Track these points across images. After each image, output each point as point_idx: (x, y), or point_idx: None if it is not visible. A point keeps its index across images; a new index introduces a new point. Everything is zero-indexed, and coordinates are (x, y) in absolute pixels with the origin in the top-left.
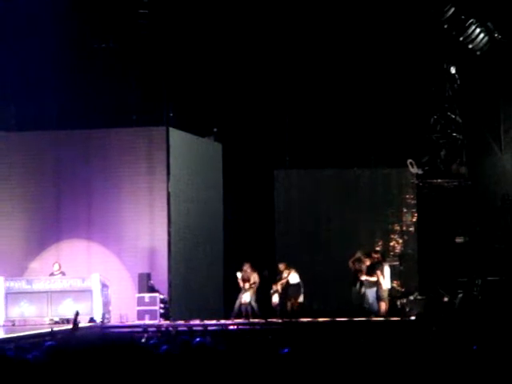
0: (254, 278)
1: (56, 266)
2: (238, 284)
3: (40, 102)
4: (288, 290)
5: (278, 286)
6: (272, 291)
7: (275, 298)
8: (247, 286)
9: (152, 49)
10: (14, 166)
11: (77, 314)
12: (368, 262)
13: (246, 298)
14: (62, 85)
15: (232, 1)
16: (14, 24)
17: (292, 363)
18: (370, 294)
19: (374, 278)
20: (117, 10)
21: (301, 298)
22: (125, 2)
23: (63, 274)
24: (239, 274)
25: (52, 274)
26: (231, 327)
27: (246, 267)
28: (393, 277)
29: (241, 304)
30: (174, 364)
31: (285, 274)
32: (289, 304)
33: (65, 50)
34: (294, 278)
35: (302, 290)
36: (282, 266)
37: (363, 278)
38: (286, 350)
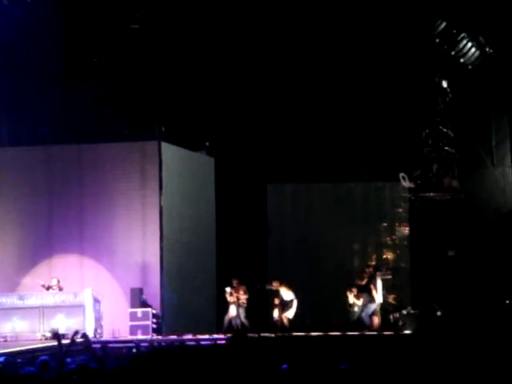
0: (241, 293)
1: (54, 281)
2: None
3: (33, 118)
4: (283, 306)
5: (276, 300)
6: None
7: (275, 313)
8: (232, 299)
9: (144, 64)
10: (6, 181)
11: (76, 332)
12: (355, 290)
13: (233, 311)
14: (54, 100)
15: (222, 15)
16: (7, 40)
17: (287, 378)
18: (367, 310)
19: (359, 302)
20: (108, 25)
21: (290, 314)
22: (116, 18)
23: (60, 289)
24: (228, 289)
25: (50, 288)
26: (222, 342)
27: (235, 283)
28: (385, 290)
29: (230, 318)
30: None
31: (281, 292)
32: (284, 319)
33: (57, 65)
34: (287, 294)
35: (295, 306)
36: (275, 284)
37: (351, 300)
38: (284, 366)
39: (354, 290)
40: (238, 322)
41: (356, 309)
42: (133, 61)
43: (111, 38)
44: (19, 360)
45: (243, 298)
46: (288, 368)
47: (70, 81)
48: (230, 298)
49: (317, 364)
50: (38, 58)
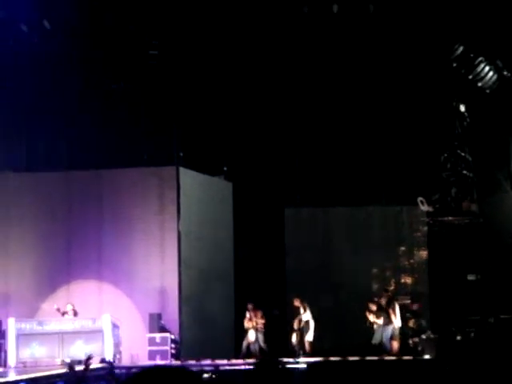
0: (258, 318)
1: (69, 306)
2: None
3: (51, 142)
4: (302, 328)
5: (295, 325)
6: (292, 329)
7: (294, 338)
8: (252, 324)
9: (162, 89)
10: (24, 206)
11: (89, 357)
12: (374, 307)
13: (252, 336)
14: (72, 125)
15: (241, 41)
16: (27, 64)
17: None
18: (386, 332)
19: (380, 321)
20: (127, 51)
21: (310, 337)
22: (135, 44)
23: (75, 314)
24: (247, 315)
25: (65, 314)
26: (243, 367)
27: (250, 307)
28: (407, 315)
29: (249, 343)
30: None
31: (301, 311)
32: (306, 344)
33: (76, 91)
34: (304, 315)
35: (312, 327)
36: (296, 302)
37: (371, 319)
38: None
39: (373, 307)
40: (257, 347)
41: (375, 327)
42: (151, 86)
43: (130, 64)
44: None
45: (260, 322)
46: None
47: (88, 106)
48: (248, 324)
49: None
50: (57, 83)
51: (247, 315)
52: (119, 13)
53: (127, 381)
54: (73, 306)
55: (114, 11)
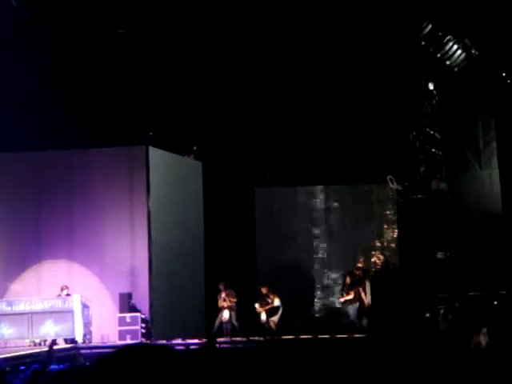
0: (231, 296)
1: (64, 292)
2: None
3: (19, 123)
4: (270, 312)
5: (262, 309)
6: (258, 311)
7: (263, 316)
8: (226, 304)
9: (130, 68)
10: None
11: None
12: (348, 280)
13: (226, 315)
14: (41, 105)
15: (209, 20)
16: None
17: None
18: (352, 310)
19: (350, 296)
20: (95, 30)
21: (276, 319)
22: (103, 22)
23: (68, 295)
24: (223, 294)
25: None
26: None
27: (221, 287)
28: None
29: (221, 322)
30: None
31: (269, 299)
32: (271, 323)
33: (44, 71)
34: (275, 301)
35: (280, 311)
36: (264, 290)
37: (342, 299)
38: None
39: (347, 280)
40: (229, 326)
41: (344, 305)
42: (119, 65)
43: (98, 43)
44: (7, 368)
45: (233, 301)
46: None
47: (57, 86)
48: (223, 303)
49: (306, 366)
50: (25, 63)
51: (222, 295)
52: None
53: (100, 361)
54: (67, 289)
55: None
